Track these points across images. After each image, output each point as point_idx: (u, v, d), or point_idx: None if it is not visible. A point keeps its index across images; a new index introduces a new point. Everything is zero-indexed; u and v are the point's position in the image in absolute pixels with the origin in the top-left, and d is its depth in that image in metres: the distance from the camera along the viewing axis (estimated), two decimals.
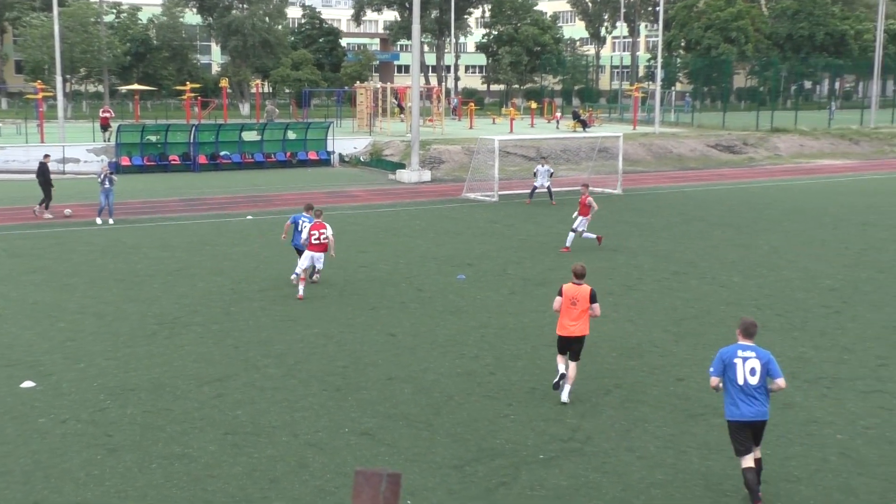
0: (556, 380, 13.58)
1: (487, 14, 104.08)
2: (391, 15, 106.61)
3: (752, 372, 10.17)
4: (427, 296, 20.09)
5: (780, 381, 10.17)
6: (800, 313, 18.54)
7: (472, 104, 71.09)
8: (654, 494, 10.61)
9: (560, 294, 13.41)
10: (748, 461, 10.21)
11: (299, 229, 20.69)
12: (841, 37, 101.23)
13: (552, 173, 34.26)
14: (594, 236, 25.61)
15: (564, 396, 13.42)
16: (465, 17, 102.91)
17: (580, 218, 25.37)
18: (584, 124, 61.36)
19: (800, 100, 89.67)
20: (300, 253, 20.42)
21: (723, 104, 76.71)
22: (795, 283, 21.23)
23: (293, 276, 20.47)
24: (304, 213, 20.94)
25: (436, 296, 20.07)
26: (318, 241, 19.79)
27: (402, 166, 44.53)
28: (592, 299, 13.28)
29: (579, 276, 13.43)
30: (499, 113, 76.63)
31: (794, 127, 62.77)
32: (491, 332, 17.24)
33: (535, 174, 34.89)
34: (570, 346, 13.43)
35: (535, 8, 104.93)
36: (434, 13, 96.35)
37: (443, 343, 16.50)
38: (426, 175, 43.26)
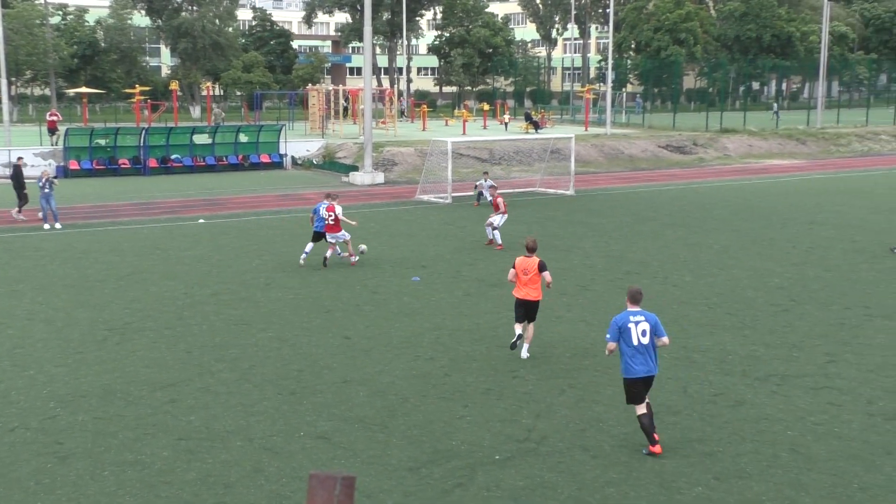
0: (514, 340, 15.34)
1: (439, 16, 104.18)
2: (343, 17, 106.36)
3: (644, 333, 11.68)
4: (382, 298, 20.07)
5: (665, 339, 11.84)
6: (750, 312, 18.79)
7: (425, 106, 71.14)
8: (608, 493, 10.69)
9: (514, 266, 15.42)
10: (642, 409, 11.65)
11: (321, 216, 23.14)
12: (787, 38, 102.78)
13: (493, 186, 34.20)
14: (495, 239, 26.15)
15: (523, 353, 15.42)
16: (417, 18, 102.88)
17: (498, 216, 26.26)
18: (537, 126, 61.68)
19: (748, 101, 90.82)
20: (320, 237, 23.26)
21: (673, 105, 77.48)
22: (745, 282, 21.50)
23: (301, 258, 23.31)
24: (322, 202, 23.51)
25: (390, 298, 20.06)
26: (331, 223, 22.86)
27: (356, 168, 44.43)
28: (542, 268, 15.23)
29: (530, 249, 15.42)
30: (451, 115, 76.76)
31: (743, 127, 63.62)
32: (445, 333, 17.26)
33: (476, 186, 34.57)
34: (526, 309, 15.28)
35: (486, 10, 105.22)
36: (386, 15, 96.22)
37: (398, 345, 16.50)
38: (379, 177, 43.21)
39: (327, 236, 23.03)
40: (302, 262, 23.26)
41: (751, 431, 12.44)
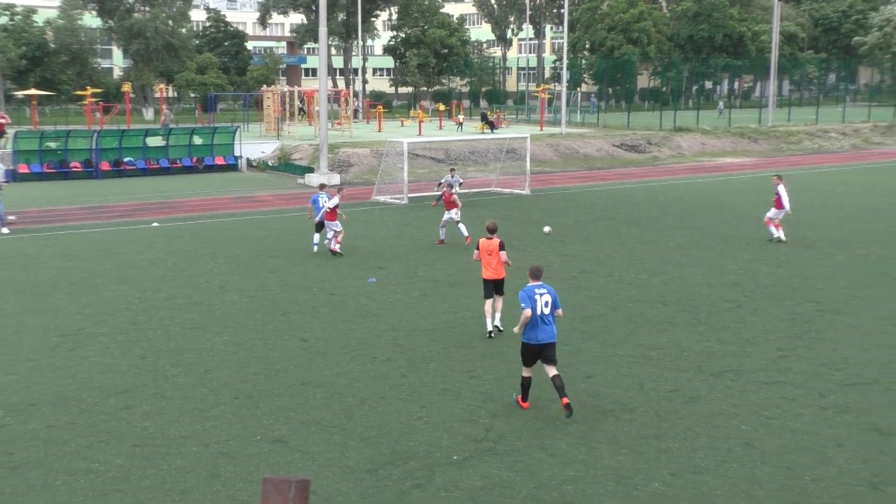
0: (489, 330, 16.83)
1: (394, 17, 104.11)
2: (297, 18, 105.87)
3: (546, 304, 13.02)
4: (338, 300, 20.00)
5: (560, 311, 13.27)
6: (704, 308, 18.97)
7: (381, 107, 71.05)
8: (566, 491, 10.74)
9: (478, 248, 16.89)
10: (529, 372, 13.17)
11: (320, 205, 24.72)
12: (739, 38, 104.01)
13: (461, 183, 34.30)
14: (440, 238, 26.58)
15: (496, 321, 17.01)
16: (372, 19, 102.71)
17: (453, 210, 26.27)
18: (492, 126, 61.82)
19: (701, 100, 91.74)
20: (322, 227, 24.87)
21: (627, 104, 78.08)
22: (699, 279, 21.71)
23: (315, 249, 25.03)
24: (319, 192, 25.20)
25: (347, 299, 20.00)
26: (328, 210, 24.41)
27: (311, 170, 44.25)
28: (501, 248, 16.71)
29: (491, 231, 16.90)
30: (407, 115, 76.73)
31: (697, 126, 64.26)
32: (402, 334, 17.24)
33: (439, 184, 34.51)
34: (494, 286, 16.87)
35: (441, 10, 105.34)
36: (341, 16, 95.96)
37: (355, 347, 16.45)
38: (335, 178, 43.04)
39: (327, 224, 24.61)
40: (315, 249, 25.08)
41: (706, 427, 12.56)
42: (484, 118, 63.47)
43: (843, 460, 11.44)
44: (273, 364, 15.46)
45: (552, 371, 12.87)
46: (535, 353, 12.98)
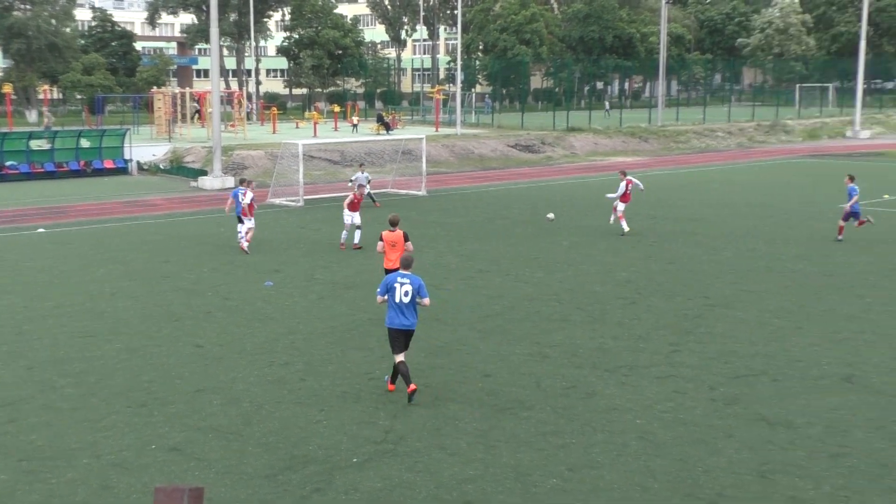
0: None
1: (287, 17, 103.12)
2: (188, 18, 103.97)
3: (406, 294, 13.66)
4: (234, 304, 19.72)
5: (426, 301, 13.84)
6: (598, 305, 19.30)
7: (275, 108, 70.31)
8: (466, 490, 10.79)
9: (381, 240, 17.72)
10: (401, 357, 13.67)
11: (239, 200, 25.42)
12: (629, 39, 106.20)
13: (369, 179, 34.37)
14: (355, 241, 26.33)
15: None
16: (265, 20, 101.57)
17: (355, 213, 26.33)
18: (388, 127, 61.78)
19: (593, 100, 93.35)
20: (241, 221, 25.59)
21: (521, 105, 78.98)
22: (594, 277, 22.08)
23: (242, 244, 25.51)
24: (239, 187, 26.09)
25: (243, 304, 19.74)
26: (245, 206, 25.27)
27: (205, 173, 43.52)
28: (406, 239, 17.69)
29: (394, 223, 17.93)
30: (302, 117, 76.12)
31: (589, 126, 65.35)
32: (300, 337, 17.10)
33: (351, 182, 34.54)
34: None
35: (335, 11, 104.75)
36: (233, 16, 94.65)
37: (251, 351, 16.25)
38: (230, 181, 42.42)
39: (243, 219, 25.41)
40: (241, 243, 25.63)
41: (602, 422, 12.77)
42: (379, 119, 63.38)
43: (732, 451, 11.77)
44: (168, 371, 15.15)
45: (399, 357, 13.65)
46: (399, 337, 13.74)
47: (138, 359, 15.83)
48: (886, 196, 36.04)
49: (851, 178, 27.75)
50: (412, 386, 13.52)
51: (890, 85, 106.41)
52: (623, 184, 28.11)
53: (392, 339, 13.79)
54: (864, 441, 12.00)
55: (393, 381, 14.14)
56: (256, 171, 45.31)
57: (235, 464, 11.52)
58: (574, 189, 40.29)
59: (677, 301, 19.62)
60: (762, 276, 22.05)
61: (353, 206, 25.98)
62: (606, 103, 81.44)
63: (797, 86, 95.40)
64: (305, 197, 35.65)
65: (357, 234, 26.05)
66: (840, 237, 26.87)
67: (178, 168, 47.09)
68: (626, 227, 27.90)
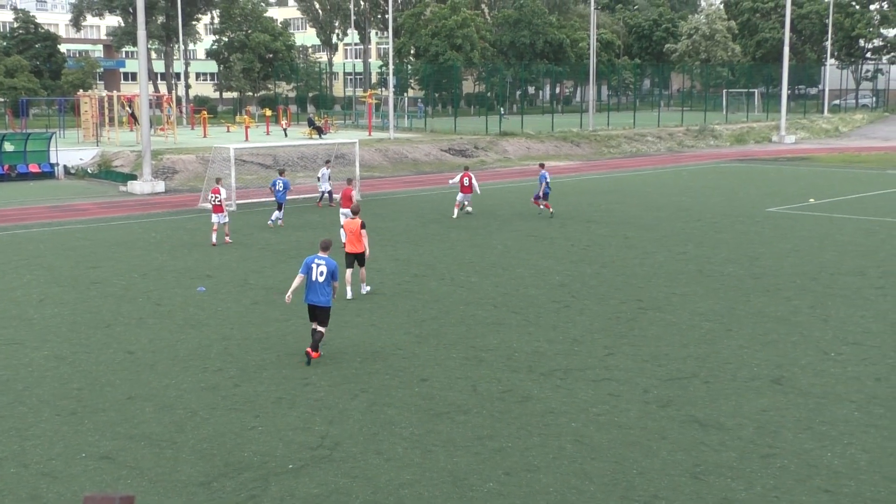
0: (349, 298, 19.79)
1: (216, 20, 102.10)
2: (114, 20, 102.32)
3: (321, 274, 15.45)
4: (166, 310, 19.44)
5: (336, 284, 15.79)
6: (533, 309, 19.42)
7: (205, 112, 69.51)
8: (403, 495, 10.77)
9: (343, 227, 20.64)
10: (315, 327, 15.72)
11: (277, 188, 30.38)
12: (559, 45, 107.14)
13: (329, 178, 35.27)
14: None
15: (363, 290, 20.53)
16: (194, 23, 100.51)
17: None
18: (320, 131, 61.47)
19: (525, 104, 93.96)
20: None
21: (454, 109, 79.14)
22: (528, 280, 22.22)
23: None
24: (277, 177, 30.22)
25: (175, 309, 19.47)
26: (216, 203, 27.14)
27: (134, 177, 42.86)
28: (362, 227, 19.76)
29: (354, 212, 20.57)
30: (233, 121, 75.38)
31: (521, 130, 65.73)
32: (234, 343, 16.92)
33: (319, 178, 36.01)
34: (355, 258, 20.14)
35: (265, 15, 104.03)
36: (161, 19, 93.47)
37: (184, 357, 16.03)
38: (160, 186, 41.88)
39: (215, 216, 27.09)
40: (214, 241, 27.21)
41: (538, 425, 12.85)
42: (311, 123, 63.02)
43: (666, 452, 11.92)
44: (98, 378, 14.88)
45: (319, 328, 15.70)
46: (312, 312, 15.70)
47: (67, 366, 15.53)
48: (812, 200, 36.87)
49: (542, 166, 33.63)
50: (316, 353, 15.52)
51: (813, 91, 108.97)
52: (459, 177, 32.98)
53: (310, 313, 15.78)
54: (793, 441, 12.25)
55: (314, 348, 15.66)
56: (187, 175, 44.77)
57: (168, 471, 11.36)
58: (507, 193, 40.50)
59: (611, 304, 19.83)
60: (693, 279, 22.40)
61: (347, 203, 26.06)
62: (502, 109, 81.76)
63: (724, 91, 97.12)
64: (238, 201, 35.29)
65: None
66: (550, 211, 32.48)
67: (106, 172, 46.29)
68: (465, 209, 33.23)
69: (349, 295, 19.92)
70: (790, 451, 11.95)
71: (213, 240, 27.21)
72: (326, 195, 35.63)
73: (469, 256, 25.32)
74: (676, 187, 42.87)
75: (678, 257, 25.15)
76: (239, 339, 17.24)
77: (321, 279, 15.43)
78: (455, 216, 32.37)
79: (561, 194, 39.90)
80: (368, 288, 20.65)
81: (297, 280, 15.65)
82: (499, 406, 13.60)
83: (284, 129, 64.40)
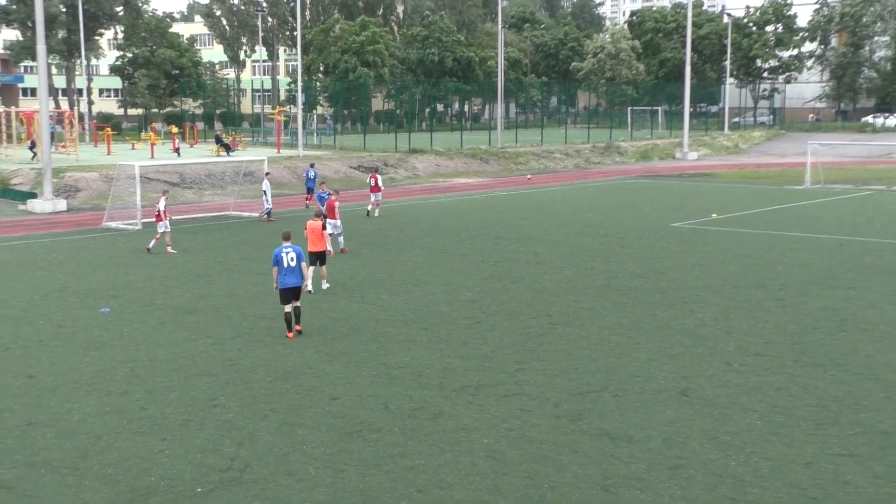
0: (309, 290, 21.42)
1: (120, 36, 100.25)
2: (12, 34, 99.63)
3: (292, 259, 18.21)
4: (68, 332, 18.93)
5: (304, 265, 18.58)
6: (444, 325, 19.44)
7: (109, 129, 68.09)
8: None
9: (306, 228, 22.20)
10: (288, 308, 18.40)
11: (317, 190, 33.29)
12: (468, 63, 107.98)
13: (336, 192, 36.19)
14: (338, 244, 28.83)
15: (324, 286, 22.93)
16: (97, 38, 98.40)
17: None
18: (228, 148, 60.75)
19: (434, 122, 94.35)
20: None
21: (363, 127, 79.02)
22: (439, 297, 22.25)
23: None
24: (323, 192, 31.34)
25: (78, 331, 18.97)
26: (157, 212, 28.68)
27: (34, 196, 41.72)
28: (324, 227, 22.47)
29: (318, 216, 22.85)
30: (138, 138, 74.02)
31: (430, 148, 65.94)
32: (140, 365, 16.55)
33: (264, 192, 36.74)
34: (318, 256, 22.45)
35: (171, 30, 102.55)
36: (61, 33, 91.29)
37: (88, 381, 15.62)
38: (61, 204, 40.86)
39: (159, 223, 28.46)
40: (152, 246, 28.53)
41: (450, 442, 12.85)
42: (219, 140, 62.21)
43: (577, 466, 12.03)
44: None
45: (296, 303, 18.45)
46: (288, 294, 18.27)
47: None
48: (714, 215, 37.76)
49: (267, 175, 37.12)
50: (297, 327, 18.47)
51: (714, 109, 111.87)
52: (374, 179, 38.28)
53: (283, 296, 18.35)
54: (699, 452, 12.48)
55: (289, 329, 18.37)
56: (91, 193, 43.79)
57: (70, 499, 11.04)
58: (417, 210, 40.55)
59: (521, 320, 19.97)
60: (601, 293, 22.70)
61: (332, 214, 27.22)
62: (321, 123, 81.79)
63: (629, 109, 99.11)
64: (143, 220, 34.62)
65: (340, 240, 28.42)
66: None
67: (4, 191, 44.98)
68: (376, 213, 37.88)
69: (309, 288, 21.50)
70: (697, 461, 12.17)
71: (150, 245, 28.71)
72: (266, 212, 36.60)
73: (379, 273, 25.25)
74: (584, 203, 43.48)
75: (586, 272, 25.48)
76: (145, 360, 16.88)
77: (293, 263, 18.21)
78: (368, 215, 37.56)
79: (470, 211, 40.13)
80: (328, 285, 23.03)
81: (274, 272, 18.31)
82: (411, 423, 13.56)
83: (177, 150, 60.69)
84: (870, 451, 12.47)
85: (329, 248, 24.69)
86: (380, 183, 38.21)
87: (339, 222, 27.79)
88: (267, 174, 37.56)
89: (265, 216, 36.34)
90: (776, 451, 12.47)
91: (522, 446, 12.68)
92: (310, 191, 40.19)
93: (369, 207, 38.17)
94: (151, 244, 28.66)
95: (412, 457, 12.30)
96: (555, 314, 20.46)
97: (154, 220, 29.15)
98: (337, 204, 27.81)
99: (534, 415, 13.93)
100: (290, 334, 18.28)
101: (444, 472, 11.85)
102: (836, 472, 11.81)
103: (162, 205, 28.70)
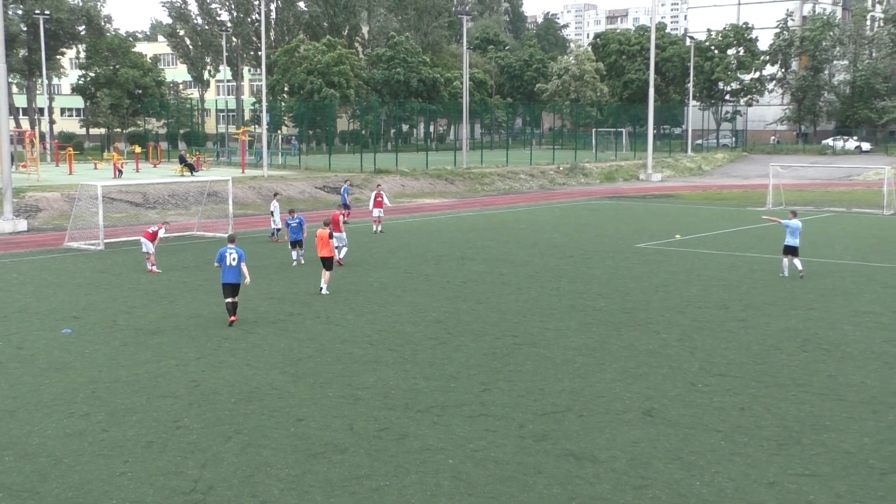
0: (322, 289, 24.85)
1: (83, 55, 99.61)
2: None
3: (234, 259, 20.73)
4: (28, 353, 18.69)
5: (244, 266, 20.94)
6: (410, 346, 19.41)
7: (70, 149, 67.55)
8: None
9: (317, 237, 24.71)
10: (231, 300, 20.97)
11: (346, 201, 39.18)
12: (433, 84, 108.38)
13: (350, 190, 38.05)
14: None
15: (324, 290, 24.84)
16: (58, 57, 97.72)
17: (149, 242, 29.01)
18: (192, 168, 60.46)
19: (399, 142, 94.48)
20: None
21: (328, 147, 78.96)
22: (404, 318, 22.21)
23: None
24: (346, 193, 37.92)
25: (38, 353, 18.73)
26: (149, 231, 29.39)
27: None
28: (330, 237, 24.80)
29: (326, 224, 25.39)
30: (101, 158, 73.46)
31: (396, 168, 66.00)
32: (102, 386, 16.37)
33: (272, 212, 37.05)
34: (327, 263, 24.86)
35: (134, 50, 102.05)
36: (22, 52, 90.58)
37: (48, 403, 15.41)
38: (22, 224, 40.43)
39: (144, 241, 29.06)
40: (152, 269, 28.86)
41: (415, 463, 12.81)
42: (182, 160, 61.88)
43: (542, 486, 12.03)
44: None
45: (235, 299, 21.05)
46: (228, 289, 20.93)
47: None
48: (678, 236, 38.06)
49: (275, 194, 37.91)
50: (234, 317, 20.97)
51: (678, 130, 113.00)
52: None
53: (224, 290, 21.02)
54: (663, 472, 12.53)
55: (232, 314, 20.99)
56: (52, 213, 43.37)
57: None
58: (383, 230, 40.49)
59: (486, 340, 19.98)
60: (566, 314, 22.78)
61: (337, 228, 28.57)
62: (292, 145, 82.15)
63: (593, 130, 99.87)
64: (106, 240, 34.32)
65: (343, 251, 29.56)
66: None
67: None
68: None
69: (325, 291, 24.73)
70: (661, 481, 12.21)
71: (151, 268, 28.97)
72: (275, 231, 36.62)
73: (345, 294, 25.18)
74: (549, 223, 43.65)
75: (551, 293, 25.56)
76: (107, 381, 16.69)
77: (234, 263, 20.72)
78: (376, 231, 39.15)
79: (435, 231, 40.15)
80: (327, 291, 24.75)
81: (216, 266, 21.23)
82: (376, 444, 13.51)
83: (119, 172, 58.64)
84: (832, 471, 12.58)
85: (338, 256, 28.35)
86: (385, 199, 39.98)
87: (343, 235, 29.99)
88: (275, 195, 37.70)
89: (275, 236, 36.37)
90: (739, 471, 12.54)
91: (488, 467, 12.67)
92: (346, 206, 41.27)
93: (374, 225, 39.64)
94: (154, 268, 28.88)
95: (377, 478, 12.25)
96: (520, 335, 20.50)
97: (144, 238, 29.20)
98: (342, 219, 30.42)
99: (499, 435, 13.92)
100: (232, 318, 20.92)
101: (409, 493, 11.80)
102: (798, 491, 11.90)
103: (162, 233, 29.60)
